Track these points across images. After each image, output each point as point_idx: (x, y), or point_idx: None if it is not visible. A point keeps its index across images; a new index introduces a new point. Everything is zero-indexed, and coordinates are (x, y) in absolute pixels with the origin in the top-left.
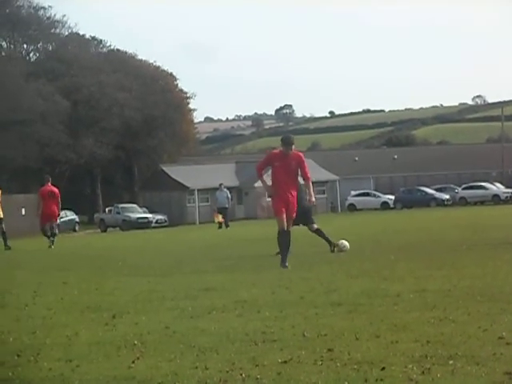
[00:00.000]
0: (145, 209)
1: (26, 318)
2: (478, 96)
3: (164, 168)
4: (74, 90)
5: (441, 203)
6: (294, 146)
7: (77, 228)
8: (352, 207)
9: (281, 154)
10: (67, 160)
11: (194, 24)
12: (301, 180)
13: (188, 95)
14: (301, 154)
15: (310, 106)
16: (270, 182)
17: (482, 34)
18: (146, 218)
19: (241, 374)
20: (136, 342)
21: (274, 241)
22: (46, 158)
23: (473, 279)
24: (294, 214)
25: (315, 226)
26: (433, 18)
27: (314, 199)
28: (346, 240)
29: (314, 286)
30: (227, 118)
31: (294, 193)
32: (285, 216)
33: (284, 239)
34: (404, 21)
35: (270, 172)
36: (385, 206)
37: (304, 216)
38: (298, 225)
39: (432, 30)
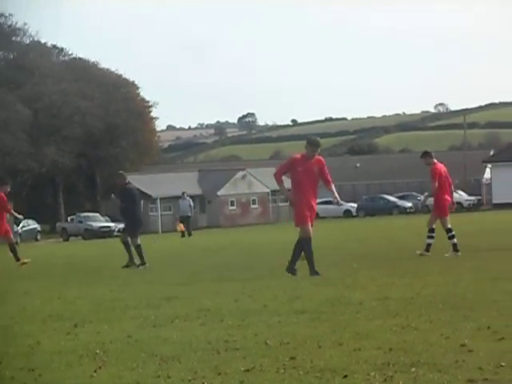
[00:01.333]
0: (107, 218)
1: None
2: (441, 104)
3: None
4: (36, 99)
5: (403, 211)
6: None
7: (38, 237)
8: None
9: (303, 158)
10: (29, 169)
11: (155, 32)
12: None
13: (150, 103)
14: (321, 158)
15: (272, 114)
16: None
17: (444, 42)
18: (109, 226)
19: (203, 383)
20: (98, 351)
21: (237, 249)
22: (8, 166)
23: (435, 287)
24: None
25: None
26: (394, 27)
27: (339, 200)
28: None
29: (277, 294)
30: (189, 127)
31: (315, 200)
32: (310, 224)
33: (309, 247)
34: (366, 30)
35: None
36: (347, 214)
37: None
38: None
39: (394, 39)
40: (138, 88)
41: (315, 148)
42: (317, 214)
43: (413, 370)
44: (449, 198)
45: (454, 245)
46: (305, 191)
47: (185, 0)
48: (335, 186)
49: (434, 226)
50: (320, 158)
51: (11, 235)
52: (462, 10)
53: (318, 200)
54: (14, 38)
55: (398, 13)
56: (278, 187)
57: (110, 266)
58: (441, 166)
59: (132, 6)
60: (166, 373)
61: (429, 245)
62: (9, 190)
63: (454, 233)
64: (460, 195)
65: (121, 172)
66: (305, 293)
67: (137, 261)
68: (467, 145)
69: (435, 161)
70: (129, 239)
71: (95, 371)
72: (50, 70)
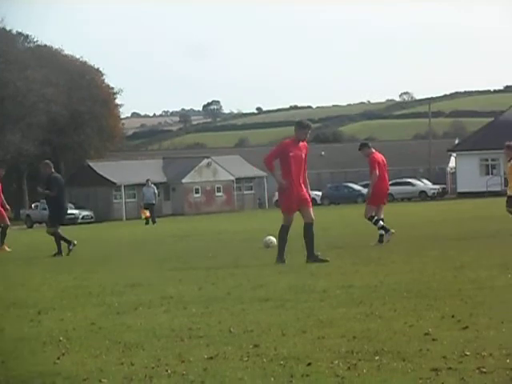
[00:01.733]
0: (71, 205)
1: None
2: (406, 93)
3: (90, 164)
4: (1, 86)
5: None
6: None
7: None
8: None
9: (293, 143)
10: None
11: (122, 20)
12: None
13: (115, 90)
14: (306, 144)
15: (237, 102)
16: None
17: (409, 31)
18: (73, 214)
19: (167, 370)
20: (61, 338)
21: (201, 237)
22: None
23: (399, 275)
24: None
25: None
26: (360, 16)
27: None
28: (273, 236)
29: (241, 282)
30: (154, 114)
31: (305, 185)
32: (292, 214)
33: (284, 235)
34: (331, 18)
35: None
36: (312, 202)
37: None
38: None
39: (359, 28)
40: (102, 75)
41: (307, 130)
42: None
43: (377, 358)
44: (387, 188)
45: (381, 235)
46: (294, 177)
47: None
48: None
49: (373, 214)
50: (305, 143)
51: (6, 220)
52: (429, 3)
53: None
54: None
55: (362, 3)
56: (242, 175)
57: (73, 252)
58: (379, 156)
59: None
60: (129, 360)
61: (381, 235)
62: (3, 174)
63: (382, 223)
64: (424, 184)
65: (46, 161)
66: (269, 280)
67: (69, 247)
68: (432, 133)
69: (373, 150)
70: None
71: (58, 358)
72: (14, 57)
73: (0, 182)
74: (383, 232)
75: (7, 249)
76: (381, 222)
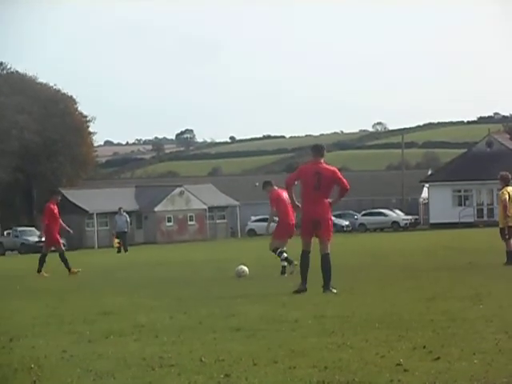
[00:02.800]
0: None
1: None
2: (379, 123)
3: (63, 191)
4: None
5: (340, 229)
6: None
7: None
8: (252, 232)
9: (308, 166)
10: None
11: (95, 48)
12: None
13: (88, 118)
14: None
15: (210, 130)
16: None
17: (382, 61)
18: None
19: None
20: (33, 366)
21: (173, 266)
22: None
23: (372, 306)
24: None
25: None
26: (333, 45)
27: None
28: (246, 265)
29: (212, 311)
30: (127, 142)
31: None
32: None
33: (303, 259)
34: (303, 47)
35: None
36: None
37: None
38: None
39: (330, 57)
40: (76, 103)
41: (314, 153)
42: (253, 230)
43: None
44: (292, 221)
45: (283, 266)
46: (307, 201)
47: (120, 15)
48: None
49: (283, 248)
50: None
51: (61, 245)
52: (398, 30)
53: (255, 217)
54: None
55: (336, 31)
56: (215, 204)
57: (46, 280)
58: (280, 192)
59: (71, 21)
60: None
61: (284, 267)
62: (59, 199)
63: (286, 255)
64: (397, 214)
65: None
66: (240, 310)
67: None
68: (405, 164)
69: (275, 188)
70: None
71: None
72: None
73: (57, 207)
74: (286, 264)
75: (76, 270)
76: (284, 254)
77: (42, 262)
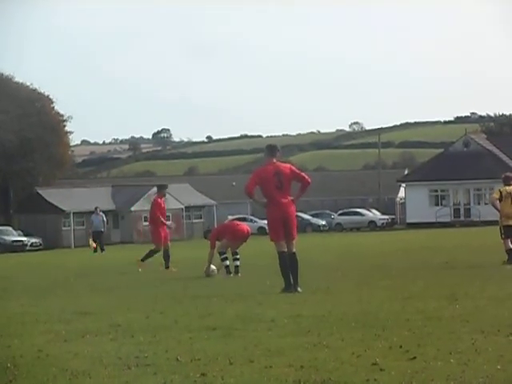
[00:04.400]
0: (20, 232)
1: None
2: (355, 123)
3: (39, 191)
4: None
5: (317, 229)
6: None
7: None
8: None
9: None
10: None
11: (72, 48)
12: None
13: (65, 118)
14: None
15: (187, 130)
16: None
17: (359, 61)
18: (21, 241)
19: None
20: (9, 365)
21: (149, 265)
22: None
23: (348, 305)
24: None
25: None
26: (310, 44)
27: None
28: (215, 265)
29: (188, 311)
30: (104, 142)
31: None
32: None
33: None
34: (280, 47)
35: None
36: (261, 230)
37: None
38: None
39: (308, 57)
40: (52, 102)
41: (269, 153)
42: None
43: None
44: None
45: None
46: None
47: (95, 13)
48: (249, 203)
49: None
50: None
51: (168, 241)
52: (375, 31)
53: (232, 217)
54: None
55: (312, 31)
56: (191, 203)
57: (21, 279)
58: (161, 201)
59: (47, 19)
60: None
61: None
62: (166, 195)
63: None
64: (374, 214)
65: None
66: (216, 309)
67: None
68: (381, 164)
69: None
70: None
71: None
72: None
73: (162, 203)
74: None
75: (173, 269)
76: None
77: (166, 257)
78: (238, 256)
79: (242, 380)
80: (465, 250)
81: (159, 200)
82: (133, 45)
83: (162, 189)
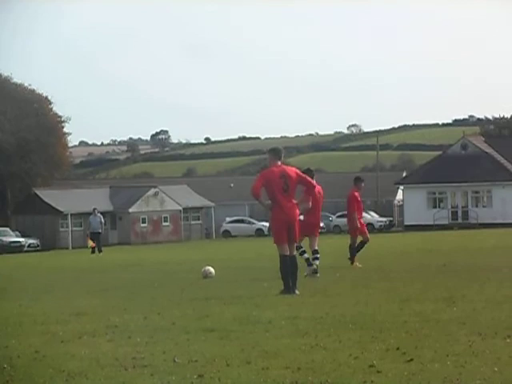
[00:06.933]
0: (17, 232)
1: None
2: (354, 125)
3: (37, 192)
4: None
5: None
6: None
7: None
8: (227, 233)
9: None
10: None
11: (70, 49)
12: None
13: (63, 119)
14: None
15: (185, 131)
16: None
17: (357, 63)
18: (19, 241)
19: None
20: (6, 366)
21: (147, 267)
22: None
23: (345, 307)
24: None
25: None
26: (308, 46)
27: None
28: (213, 267)
29: (186, 312)
30: (102, 143)
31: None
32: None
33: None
34: (278, 48)
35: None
36: (259, 232)
37: None
38: None
39: (307, 60)
40: (50, 103)
41: (273, 156)
42: (228, 231)
43: None
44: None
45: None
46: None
47: (93, 15)
48: (247, 204)
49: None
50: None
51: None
52: (373, 33)
53: (230, 219)
54: None
55: (311, 33)
56: (189, 205)
57: (19, 280)
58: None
59: (46, 20)
60: None
61: None
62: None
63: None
64: (372, 216)
65: None
66: (214, 311)
67: None
68: (379, 166)
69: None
70: None
71: None
72: None
73: (358, 196)
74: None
75: (358, 265)
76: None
77: (353, 252)
78: (318, 255)
79: (239, 381)
80: (462, 252)
81: (355, 193)
82: (131, 46)
83: (358, 182)
